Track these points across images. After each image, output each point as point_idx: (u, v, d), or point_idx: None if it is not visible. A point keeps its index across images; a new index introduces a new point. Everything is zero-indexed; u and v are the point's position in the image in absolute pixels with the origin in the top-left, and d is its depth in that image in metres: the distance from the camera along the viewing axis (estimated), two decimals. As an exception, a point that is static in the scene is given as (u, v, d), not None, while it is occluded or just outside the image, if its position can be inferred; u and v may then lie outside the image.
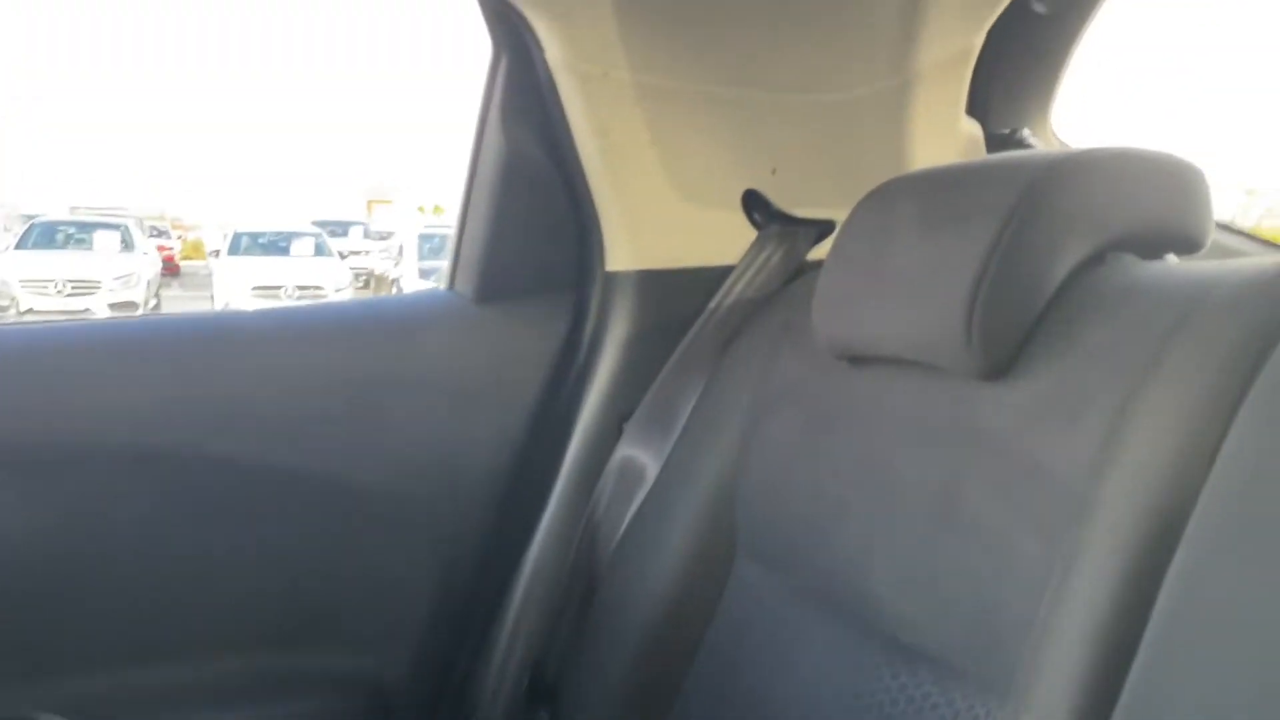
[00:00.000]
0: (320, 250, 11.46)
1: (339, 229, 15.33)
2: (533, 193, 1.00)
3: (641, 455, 1.04)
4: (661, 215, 1.01)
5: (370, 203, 24.45)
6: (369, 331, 1.04)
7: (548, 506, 1.06)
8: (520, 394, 1.04)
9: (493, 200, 0.99)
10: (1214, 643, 0.48)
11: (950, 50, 0.94)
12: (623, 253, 1.02)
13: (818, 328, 0.84)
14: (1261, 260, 0.62)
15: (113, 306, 9.09)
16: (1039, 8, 0.94)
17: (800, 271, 1.06)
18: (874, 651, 0.72)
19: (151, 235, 13.53)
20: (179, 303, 11.76)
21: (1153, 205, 0.71)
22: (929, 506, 0.70)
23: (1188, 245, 0.73)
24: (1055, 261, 0.68)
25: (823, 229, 1.06)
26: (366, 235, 16.30)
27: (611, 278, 1.03)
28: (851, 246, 0.82)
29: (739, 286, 1.05)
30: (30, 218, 12.04)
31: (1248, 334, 0.57)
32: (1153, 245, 0.73)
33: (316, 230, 12.13)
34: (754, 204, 1.04)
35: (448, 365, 1.02)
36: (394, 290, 9.54)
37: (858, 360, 0.82)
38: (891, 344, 0.76)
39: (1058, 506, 0.59)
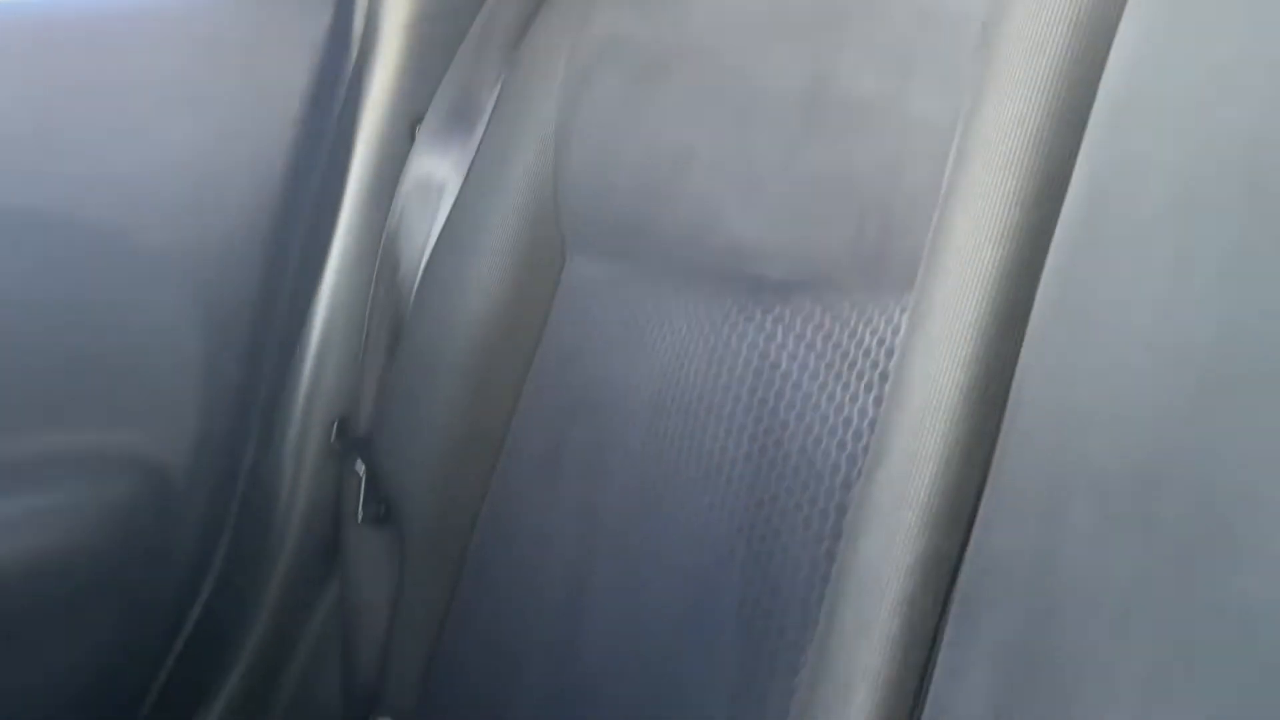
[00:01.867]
0: None
1: None
2: None
3: (441, 162, 0.87)
4: None
5: None
6: (88, 35, 0.82)
7: (335, 237, 0.89)
8: (283, 101, 0.84)
9: None
10: (1130, 233, 0.38)
11: None
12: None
13: None
14: None
15: None
16: None
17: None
18: (741, 300, 0.60)
19: None
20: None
21: None
22: (795, 109, 0.57)
23: None
24: None
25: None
26: None
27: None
28: None
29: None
30: None
31: None
32: None
33: None
34: None
35: (189, 70, 0.81)
36: None
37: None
38: None
39: (951, 56, 0.47)
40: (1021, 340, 0.40)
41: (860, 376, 0.51)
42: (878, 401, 0.50)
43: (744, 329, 0.60)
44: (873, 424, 0.49)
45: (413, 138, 0.88)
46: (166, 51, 0.81)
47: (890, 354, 0.50)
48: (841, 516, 0.49)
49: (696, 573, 0.58)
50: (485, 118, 0.84)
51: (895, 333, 0.50)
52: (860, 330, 0.53)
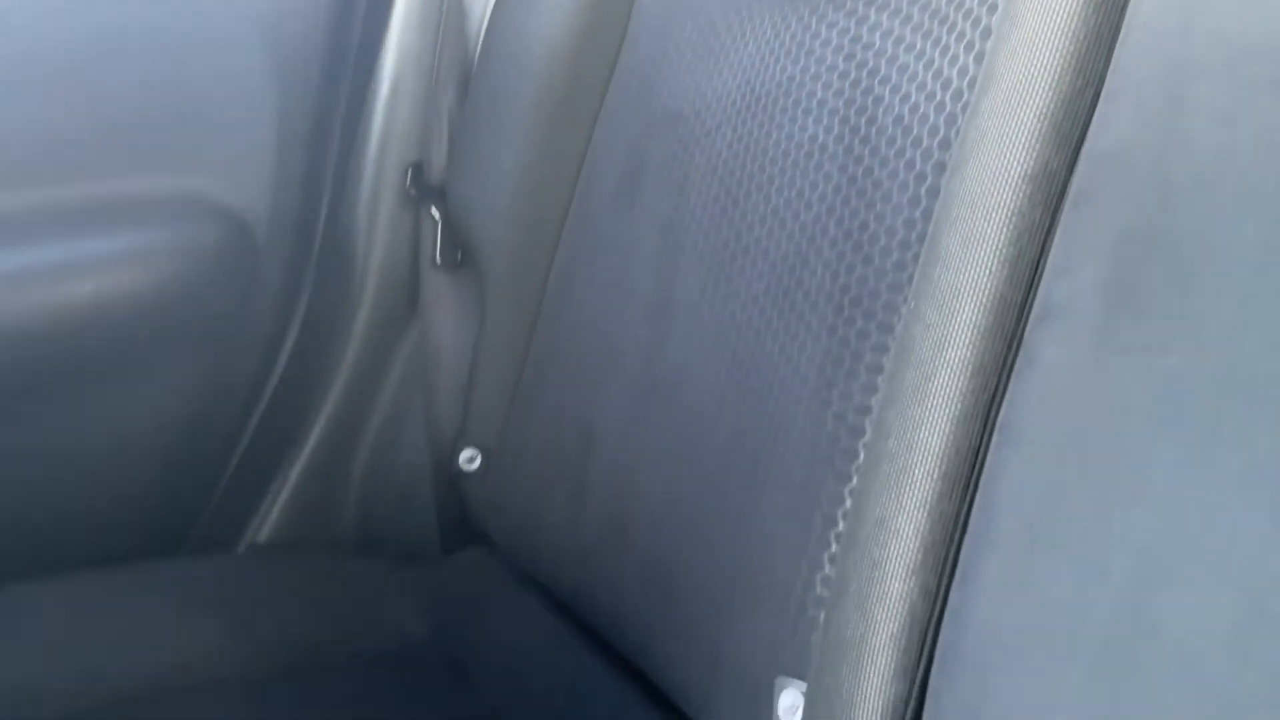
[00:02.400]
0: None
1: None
2: None
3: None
4: None
5: None
6: None
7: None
8: None
9: None
10: None
11: None
12: None
13: None
14: None
15: None
16: None
17: None
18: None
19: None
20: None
21: None
22: None
23: None
24: None
25: None
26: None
27: None
28: None
29: None
30: None
31: None
32: None
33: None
34: None
35: None
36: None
37: None
38: None
39: None
40: None
41: (961, 37, 0.50)
42: (979, 59, 0.49)
43: (833, 17, 0.59)
44: (973, 82, 0.49)
45: None
46: None
47: (994, 9, 0.49)
48: (940, 175, 0.49)
49: (784, 262, 0.58)
50: None
51: (1000, -12, 0.49)
52: (961, -8, 0.51)
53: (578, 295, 0.76)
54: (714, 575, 0.57)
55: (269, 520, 0.94)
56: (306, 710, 0.71)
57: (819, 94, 0.58)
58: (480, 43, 0.86)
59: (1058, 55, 0.41)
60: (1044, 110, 0.41)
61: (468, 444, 0.84)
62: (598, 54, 0.76)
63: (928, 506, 0.42)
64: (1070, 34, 0.40)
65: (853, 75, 0.56)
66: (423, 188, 0.88)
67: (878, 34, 0.56)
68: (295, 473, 0.94)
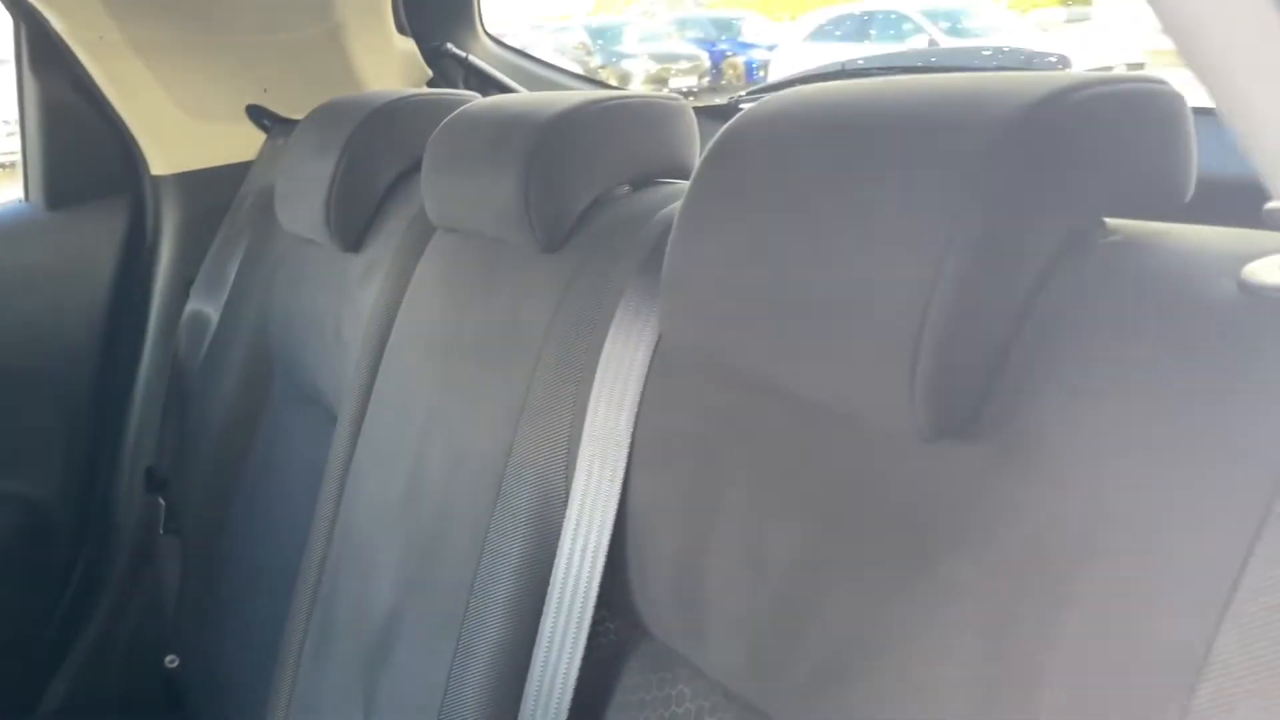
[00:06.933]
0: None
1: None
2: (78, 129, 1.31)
3: (205, 308, 1.41)
4: (182, 132, 1.35)
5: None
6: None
7: (142, 356, 1.43)
8: (99, 277, 1.38)
9: (44, 135, 1.29)
10: None
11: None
12: (160, 161, 1.36)
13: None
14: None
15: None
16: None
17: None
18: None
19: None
20: None
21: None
22: None
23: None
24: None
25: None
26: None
27: (157, 180, 1.37)
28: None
29: (260, 172, 1.40)
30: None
31: None
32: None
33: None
34: (258, 114, 1.39)
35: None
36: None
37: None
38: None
39: None
40: None
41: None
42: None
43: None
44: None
45: (188, 293, 1.41)
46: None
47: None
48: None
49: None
50: (232, 276, 1.37)
51: None
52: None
53: (244, 568, 1.28)
54: None
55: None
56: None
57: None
58: (190, 397, 1.41)
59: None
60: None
61: (170, 651, 1.34)
62: (247, 423, 1.30)
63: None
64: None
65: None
66: (153, 483, 1.41)
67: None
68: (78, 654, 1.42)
